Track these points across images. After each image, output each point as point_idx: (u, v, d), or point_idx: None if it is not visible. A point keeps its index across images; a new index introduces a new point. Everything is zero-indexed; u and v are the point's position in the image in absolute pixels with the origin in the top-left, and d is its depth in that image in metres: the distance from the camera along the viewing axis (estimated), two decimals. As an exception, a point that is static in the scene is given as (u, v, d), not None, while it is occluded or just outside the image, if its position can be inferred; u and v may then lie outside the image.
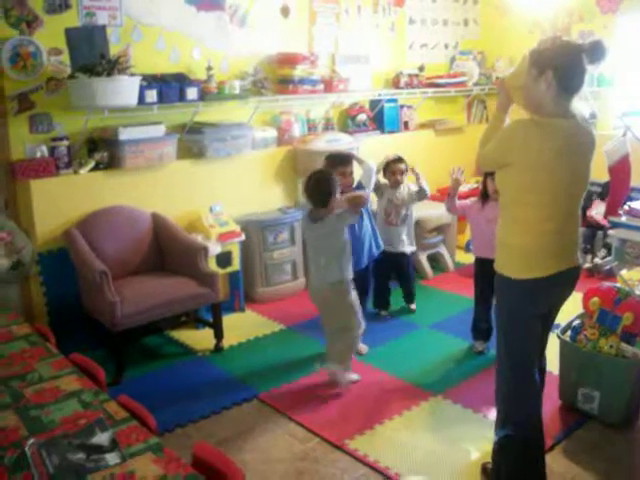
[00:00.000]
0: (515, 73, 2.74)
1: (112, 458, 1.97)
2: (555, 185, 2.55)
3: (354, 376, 3.90)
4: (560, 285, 2.70)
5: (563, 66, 2.49)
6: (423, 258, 5.69)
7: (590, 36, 5.99)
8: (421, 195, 4.72)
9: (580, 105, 2.65)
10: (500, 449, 2.82)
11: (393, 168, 4.70)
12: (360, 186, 4.20)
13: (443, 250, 5.89)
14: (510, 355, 2.75)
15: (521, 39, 6.51)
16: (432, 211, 5.69)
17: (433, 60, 6.67)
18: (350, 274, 3.80)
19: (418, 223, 5.51)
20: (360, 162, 4.20)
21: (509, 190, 2.68)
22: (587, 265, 5.50)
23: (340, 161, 4.21)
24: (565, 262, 2.66)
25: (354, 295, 3.82)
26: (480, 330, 4.29)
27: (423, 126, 6.57)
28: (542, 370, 3.00)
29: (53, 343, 2.93)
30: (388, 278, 4.90)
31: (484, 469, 3.05)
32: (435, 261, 5.88)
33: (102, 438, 2.07)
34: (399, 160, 4.72)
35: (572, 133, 2.54)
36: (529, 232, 2.62)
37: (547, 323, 2.86)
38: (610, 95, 6.04)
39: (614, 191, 3.43)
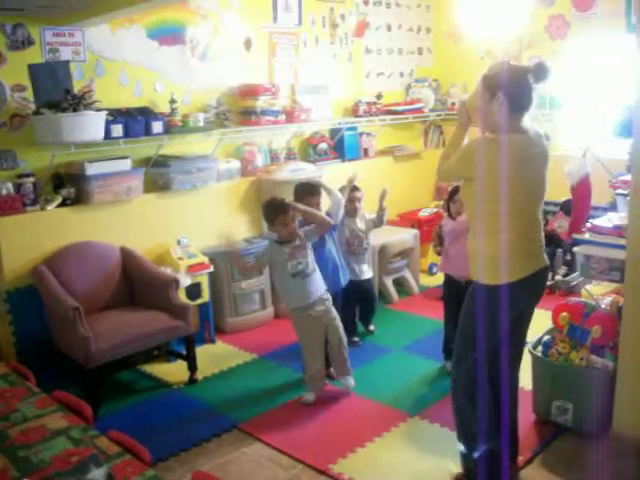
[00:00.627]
0: (473, 95, 2.97)
1: (110, 493, 1.97)
2: (515, 196, 2.75)
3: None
4: (531, 287, 2.90)
5: (512, 87, 2.73)
6: (389, 282, 5.76)
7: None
8: (377, 223, 4.81)
9: (531, 123, 2.86)
10: (484, 464, 2.90)
11: (351, 196, 4.75)
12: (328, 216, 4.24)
13: (407, 274, 5.97)
14: (478, 363, 2.91)
15: (474, 66, 6.70)
16: (396, 236, 5.79)
17: (390, 88, 6.83)
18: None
19: (382, 248, 5.60)
20: (328, 192, 4.24)
21: (473, 203, 2.90)
22: (548, 282, 5.64)
23: (307, 191, 4.25)
24: (534, 264, 2.88)
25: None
26: (451, 350, 4.35)
27: (382, 153, 6.69)
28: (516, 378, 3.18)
29: (33, 382, 2.90)
30: (354, 305, 4.94)
31: None
32: (400, 285, 5.95)
33: (97, 474, 2.05)
34: (355, 188, 4.79)
35: (526, 147, 2.78)
36: (496, 242, 2.80)
37: (520, 330, 3.04)
38: (561, 117, 6.27)
39: (577, 210, 3.57)
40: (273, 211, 3.93)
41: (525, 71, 2.77)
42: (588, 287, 4.11)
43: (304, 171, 5.45)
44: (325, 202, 4.34)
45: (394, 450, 3.44)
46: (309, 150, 6.00)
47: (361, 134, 6.44)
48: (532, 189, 2.85)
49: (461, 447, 3.07)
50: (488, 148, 2.75)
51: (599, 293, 4.00)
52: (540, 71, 2.76)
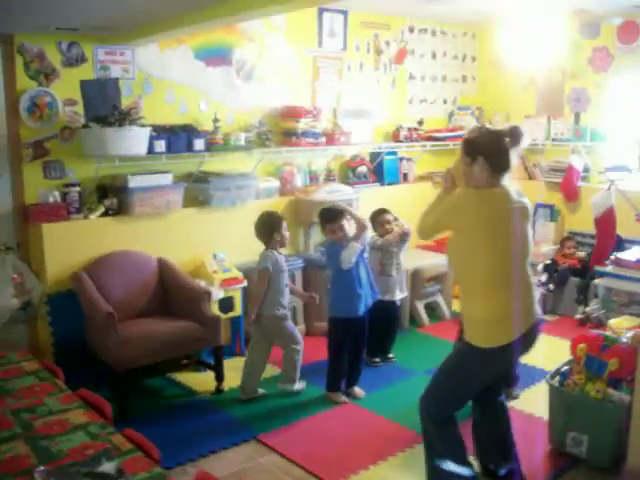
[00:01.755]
0: (458, 162, 3.06)
1: (118, 485, 2.09)
2: (500, 248, 2.85)
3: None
4: (524, 343, 2.97)
5: (491, 152, 2.86)
6: (420, 306, 5.81)
7: (582, 93, 6.30)
8: (404, 236, 4.85)
9: (510, 183, 2.97)
10: None
11: (380, 220, 4.86)
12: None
13: (440, 299, 6.01)
14: (457, 402, 3.11)
15: (517, 95, 6.79)
16: (429, 260, 5.84)
17: (432, 114, 6.92)
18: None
19: (415, 272, 5.66)
20: (353, 217, 4.33)
21: (459, 261, 2.99)
22: (579, 316, 5.62)
23: (328, 218, 4.33)
24: (526, 324, 2.93)
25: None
26: None
27: (422, 178, 6.76)
28: (501, 404, 3.31)
29: (62, 379, 3.06)
30: (381, 325, 4.98)
31: None
32: (432, 310, 6.00)
33: (108, 467, 2.19)
34: (384, 211, 4.89)
35: (507, 200, 2.89)
36: (487, 304, 2.89)
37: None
38: (603, 150, 6.25)
39: (600, 241, 3.60)
40: (276, 219, 4.37)
41: (501, 135, 2.88)
42: (613, 321, 4.11)
43: (341, 193, 5.57)
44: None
45: (405, 471, 3.49)
46: (348, 173, 6.13)
47: (401, 159, 6.54)
48: (514, 245, 2.90)
49: (446, 468, 3.11)
50: (471, 199, 2.89)
51: (624, 327, 4.00)
52: (515, 135, 2.88)
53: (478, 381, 3.03)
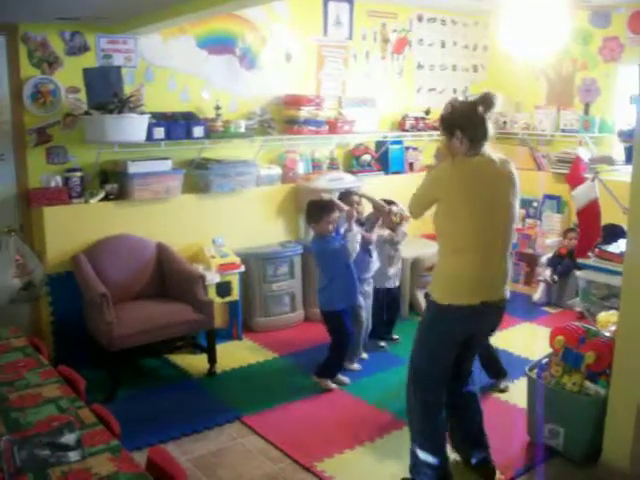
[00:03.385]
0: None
1: (74, 455, 2.20)
2: (475, 214, 2.91)
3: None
4: (485, 314, 3.01)
5: (466, 123, 2.90)
6: (420, 295, 5.85)
7: (592, 83, 6.24)
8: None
9: (493, 151, 3.00)
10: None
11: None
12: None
13: (440, 288, 6.02)
14: (432, 371, 3.12)
15: (528, 84, 6.74)
16: (429, 249, 5.86)
17: (442, 104, 6.86)
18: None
19: (415, 261, 5.70)
20: (341, 209, 4.37)
21: (438, 226, 3.04)
22: (578, 309, 5.59)
23: (326, 208, 4.32)
24: (491, 294, 2.98)
25: None
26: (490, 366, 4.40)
27: (428, 167, 6.74)
28: (471, 395, 3.31)
29: (45, 356, 3.19)
30: (383, 311, 5.08)
31: None
32: (433, 298, 6.02)
33: (69, 438, 2.29)
34: (393, 202, 4.93)
35: (483, 166, 2.93)
36: (458, 264, 2.95)
37: (470, 348, 3.20)
38: (612, 141, 6.19)
39: (583, 234, 3.59)
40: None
41: (474, 105, 2.92)
42: (602, 314, 4.10)
43: (342, 181, 5.62)
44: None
45: (380, 456, 3.55)
46: (352, 161, 6.17)
47: (407, 148, 6.55)
48: (491, 211, 2.94)
49: (420, 455, 3.16)
50: (446, 169, 2.95)
51: (612, 321, 4.00)
52: (486, 101, 2.91)
53: (445, 338, 3.05)
